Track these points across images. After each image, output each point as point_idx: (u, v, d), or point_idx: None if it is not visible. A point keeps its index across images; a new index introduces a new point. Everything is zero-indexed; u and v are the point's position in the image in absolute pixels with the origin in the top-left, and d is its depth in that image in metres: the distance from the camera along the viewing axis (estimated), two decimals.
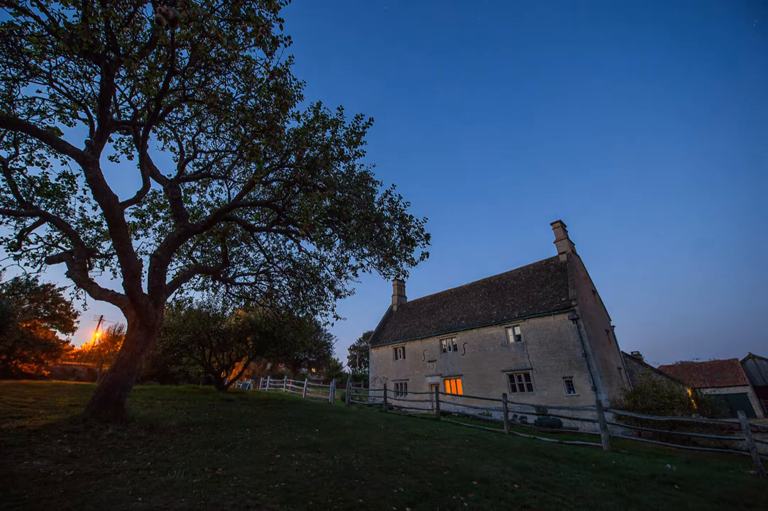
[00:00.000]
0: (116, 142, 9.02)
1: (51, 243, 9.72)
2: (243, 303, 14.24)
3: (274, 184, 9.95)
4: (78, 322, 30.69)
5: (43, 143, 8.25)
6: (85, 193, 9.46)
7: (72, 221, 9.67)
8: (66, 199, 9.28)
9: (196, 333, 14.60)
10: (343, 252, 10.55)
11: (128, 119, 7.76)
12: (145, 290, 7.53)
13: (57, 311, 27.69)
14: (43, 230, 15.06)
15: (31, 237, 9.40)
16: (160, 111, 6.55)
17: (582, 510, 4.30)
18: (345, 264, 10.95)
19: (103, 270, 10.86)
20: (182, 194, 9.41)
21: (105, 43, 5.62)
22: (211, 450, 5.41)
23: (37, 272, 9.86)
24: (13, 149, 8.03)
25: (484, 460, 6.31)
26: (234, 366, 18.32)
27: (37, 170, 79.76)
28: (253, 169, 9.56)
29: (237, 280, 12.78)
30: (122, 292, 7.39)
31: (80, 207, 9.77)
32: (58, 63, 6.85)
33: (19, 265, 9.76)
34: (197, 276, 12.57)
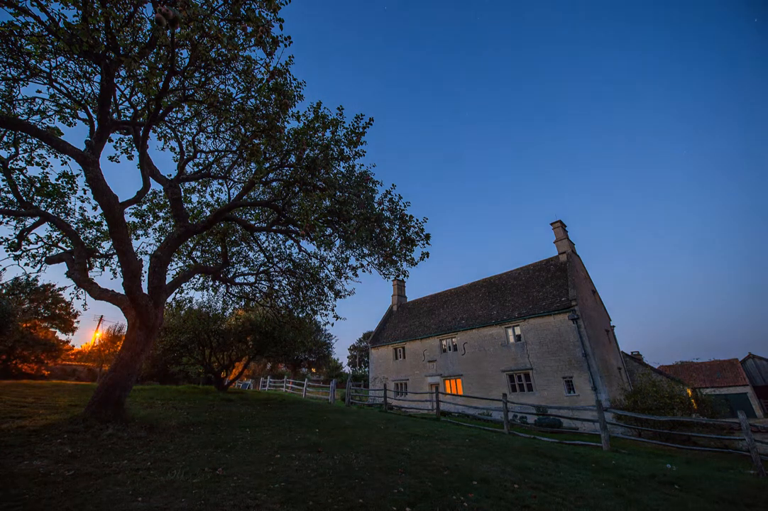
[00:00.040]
0: (116, 142, 9.02)
1: (51, 243, 9.72)
2: (243, 303, 14.24)
3: (274, 184, 9.95)
4: (78, 322, 30.74)
5: (43, 143, 8.25)
6: (85, 193, 9.46)
7: (72, 221, 9.67)
8: (66, 199, 9.28)
9: (196, 333, 14.60)
10: (343, 252, 10.55)
11: (128, 119, 7.76)
12: (145, 290, 7.53)
13: (57, 311, 27.69)
14: (43, 230, 15.08)
15: (31, 237, 9.40)
16: (160, 111, 6.55)
17: (582, 510, 4.30)
18: (345, 264, 10.96)
19: (103, 270, 10.86)
20: (182, 194, 9.41)
21: (105, 43, 5.62)
22: (211, 450, 5.41)
23: (37, 272, 9.87)
24: (13, 149, 8.03)
25: (484, 460, 6.31)
26: (234, 366, 18.32)
27: (37, 170, 79.78)
28: (253, 169, 9.56)
29: (237, 280, 12.78)
30: (122, 292, 7.39)
31: (80, 207, 9.78)
32: (58, 63, 6.85)
33: (19, 265, 9.77)
34: (197, 276, 12.57)
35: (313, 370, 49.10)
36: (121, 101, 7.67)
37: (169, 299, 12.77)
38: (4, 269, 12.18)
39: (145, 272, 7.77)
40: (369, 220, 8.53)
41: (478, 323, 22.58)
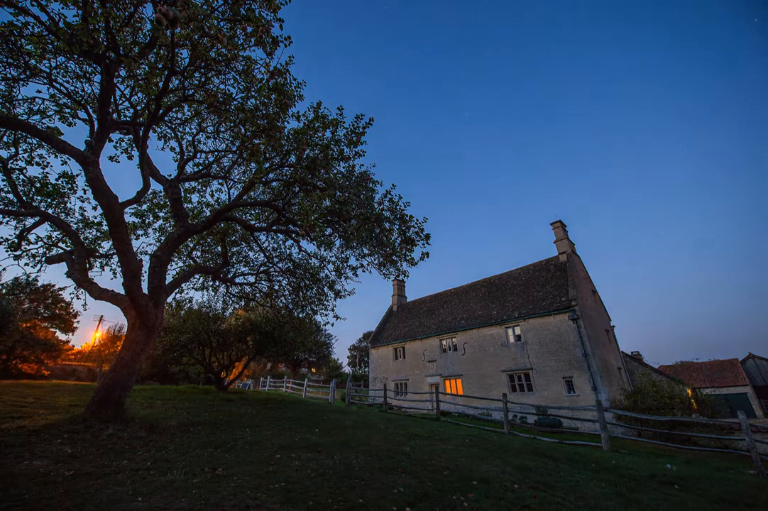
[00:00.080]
0: (116, 142, 9.02)
1: (51, 243, 9.72)
2: (243, 303, 14.24)
3: (274, 184, 9.95)
4: (78, 322, 30.74)
5: (43, 143, 8.25)
6: (85, 193, 9.46)
7: (72, 221, 9.67)
8: (66, 199, 9.28)
9: (196, 333, 14.60)
10: (343, 252, 10.55)
11: (128, 119, 7.76)
12: (145, 290, 7.53)
13: (57, 311, 27.69)
14: (43, 230, 15.08)
15: (31, 237, 9.40)
16: (160, 111, 6.55)
17: (582, 510, 4.30)
18: (345, 264, 10.96)
19: (103, 270, 10.86)
20: (182, 194, 9.41)
21: (105, 43, 5.62)
22: (211, 450, 5.41)
23: (37, 272, 9.86)
24: (13, 149, 8.03)
25: (484, 460, 6.31)
26: (234, 366, 18.32)
27: (37, 170, 79.74)
28: (253, 169, 9.56)
29: (237, 280, 12.78)
30: (122, 292, 7.39)
31: (80, 207, 9.78)
32: (58, 63, 6.85)
33: (19, 265, 9.77)
34: (197, 276, 12.57)
35: (313, 370, 49.09)
36: (121, 101, 7.67)
37: (169, 299, 12.78)
38: (4, 269, 12.18)
39: (145, 272, 7.77)
40: (369, 220, 8.53)
41: (478, 323, 22.57)
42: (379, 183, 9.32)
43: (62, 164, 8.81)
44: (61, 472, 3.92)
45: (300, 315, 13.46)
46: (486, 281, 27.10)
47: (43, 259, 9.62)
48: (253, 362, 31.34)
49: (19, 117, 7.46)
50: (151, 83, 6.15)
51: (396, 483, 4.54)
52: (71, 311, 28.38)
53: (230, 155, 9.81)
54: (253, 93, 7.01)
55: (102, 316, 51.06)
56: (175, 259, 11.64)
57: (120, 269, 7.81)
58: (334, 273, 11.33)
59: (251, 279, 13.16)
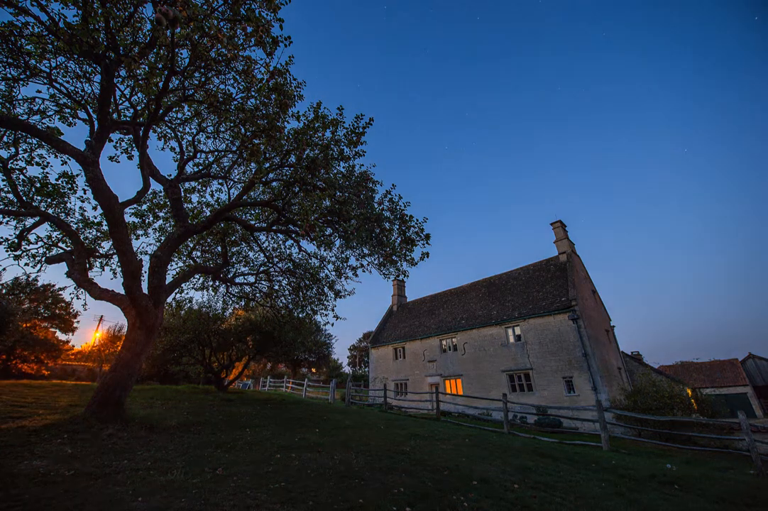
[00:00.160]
0: (116, 142, 9.02)
1: (51, 243, 9.72)
2: (243, 303, 14.24)
3: (274, 184, 9.95)
4: (78, 322, 30.72)
5: (43, 143, 8.24)
6: (85, 193, 9.46)
7: (72, 221, 9.66)
8: (66, 199, 9.28)
9: (196, 333, 14.60)
10: (343, 252, 10.55)
11: (128, 119, 7.75)
12: (145, 290, 7.53)
13: (57, 311, 27.69)
14: (43, 230, 15.07)
15: (31, 237, 9.40)
16: (160, 111, 6.55)
17: (582, 510, 4.30)
18: (345, 264, 10.95)
19: (103, 270, 10.86)
20: (182, 194, 9.41)
21: (105, 43, 5.62)
22: (211, 450, 5.41)
23: (37, 272, 9.86)
24: (13, 149, 8.03)
25: (484, 460, 6.31)
26: (234, 366, 18.31)
27: (37, 170, 79.77)
28: (253, 169, 9.56)
29: (237, 280, 12.78)
30: (122, 292, 7.39)
31: (80, 207, 9.77)
32: (58, 63, 6.85)
33: (19, 265, 9.76)
34: (197, 276, 12.57)
35: (313, 370, 49.09)
36: (121, 101, 7.67)
37: (169, 299, 12.77)
38: (4, 269, 12.19)
39: (145, 272, 7.77)
40: (369, 220, 8.53)
41: (478, 323, 22.57)
42: (379, 183, 9.32)
43: (62, 164, 8.80)
44: (61, 472, 3.92)
45: (300, 315, 13.46)
46: (486, 281, 27.10)
47: (43, 259, 9.61)
48: (253, 362, 31.31)
49: (19, 117, 7.46)
50: (151, 83, 6.16)
51: (396, 483, 4.54)
52: (71, 311, 28.38)
53: (230, 155, 9.81)
54: (253, 93, 7.01)
55: (102, 316, 51.09)
56: (175, 259, 11.64)
57: (120, 269, 7.81)
58: (334, 273, 11.33)
59: (251, 279, 13.16)
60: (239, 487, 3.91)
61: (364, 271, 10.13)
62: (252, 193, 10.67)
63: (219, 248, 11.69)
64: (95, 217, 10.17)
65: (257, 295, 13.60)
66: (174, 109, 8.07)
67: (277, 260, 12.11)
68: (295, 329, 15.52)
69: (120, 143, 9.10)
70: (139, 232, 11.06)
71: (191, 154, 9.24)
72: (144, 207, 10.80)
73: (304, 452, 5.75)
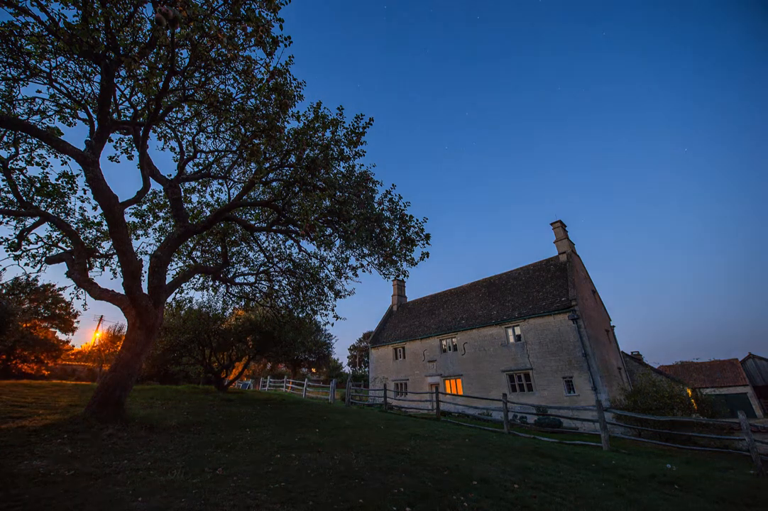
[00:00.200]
0: (116, 142, 9.02)
1: (51, 243, 9.72)
2: (243, 303, 14.24)
3: (274, 184, 9.95)
4: (78, 322, 30.73)
5: (43, 143, 8.24)
6: (85, 193, 9.46)
7: (72, 221, 9.66)
8: (66, 199, 9.28)
9: (196, 333, 14.59)
10: (343, 252, 10.55)
11: (128, 119, 7.75)
12: (145, 290, 7.53)
13: (57, 311, 27.69)
14: (43, 230, 15.07)
15: (31, 237, 9.40)
16: (160, 111, 6.55)
17: (582, 510, 4.30)
18: (345, 264, 10.95)
19: (103, 270, 10.86)
20: (182, 194, 9.41)
21: (105, 43, 5.62)
22: (211, 450, 5.41)
23: (37, 272, 9.86)
24: (13, 149, 8.03)
25: (484, 460, 6.31)
26: (234, 366, 18.31)
27: (37, 170, 79.76)
28: (253, 169, 9.56)
29: (237, 280, 12.78)
30: (122, 292, 7.39)
31: (80, 207, 9.77)
32: (58, 63, 6.85)
33: (19, 265, 9.76)
34: (197, 276, 12.57)
35: (313, 370, 49.09)
36: (121, 101, 7.67)
37: (169, 299, 12.77)
38: (4, 269, 12.19)
39: (145, 272, 7.77)
40: (369, 220, 8.53)
41: (478, 323, 22.57)
42: (379, 183, 9.32)
43: (62, 164, 8.80)
44: (61, 472, 3.92)
45: (300, 315, 13.46)
46: (486, 281, 27.10)
47: (43, 259, 9.61)
48: (253, 362, 31.31)
49: (19, 117, 7.46)
50: (151, 83, 6.16)
51: (396, 483, 4.54)
52: (71, 311, 28.38)
53: (230, 155, 9.81)
54: (253, 93, 7.01)
55: (102, 316, 51.08)
56: (175, 259, 11.63)
57: (120, 269, 7.81)
58: (334, 273, 11.33)
59: (251, 279, 13.16)
60: (239, 487, 3.91)
61: (364, 271, 10.13)
62: (252, 193, 10.67)
63: (219, 248, 11.69)
64: (95, 217, 10.17)
65: (257, 295, 13.60)
66: (174, 109, 8.07)
67: (277, 260, 12.11)
68: (295, 329, 15.52)
69: (120, 143, 9.10)
70: (139, 232, 11.06)
71: (191, 154, 9.24)
72: (144, 207, 10.80)
73: (304, 452, 5.75)
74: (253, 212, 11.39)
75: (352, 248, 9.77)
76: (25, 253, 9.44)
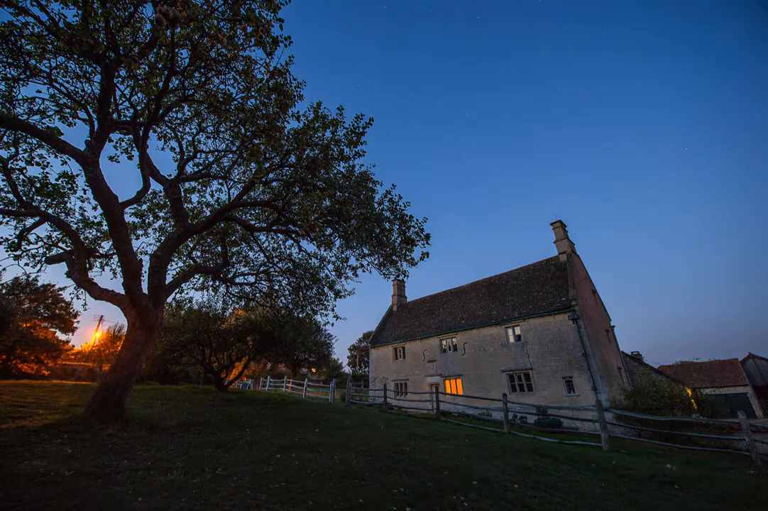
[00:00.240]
0: (116, 142, 9.02)
1: (51, 243, 9.72)
2: (243, 303, 14.24)
3: (274, 184, 9.95)
4: (78, 322, 30.72)
5: (43, 143, 8.24)
6: (85, 193, 9.46)
7: (72, 221, 9.66)
8: (66, 199, 9.28)
9: (196, 333, 14.60)
10: (343, 252, 10.55)
11: (128, 119, 7.75)
12: (145, 290, 7.53)
13: (57, 311, 27.69)
14: (43, 230, 15.07)
15: (31, 237, 9.40)
16: (160, 111, 6.55)
17: (582, 510, 4.30)
18: (345, 264, 10.95)
19: (103, 270, 10.86)
20: (182, 194, 9.41)
21: (105, 43, 5.62)
22: (211, 450, 5.41)
23: (37, 272, 9.86)
24: (13, 149, 8.03)
25: (484, 460, 6.31)
26: (234, 366, 18.31)
27: (37, 170, 79.74)
28: (253, 169, 9.56)
29: (237, 280, 12.78)
30: (122, 292, 7.39)
31: (80, 207, 9.77)
32: (58, 63, 6.85)
33: (19, 265, 9.76)
34: (197, 276, 12.57)
35: (313, 370, 49.10)
36: (121, 101, 7.67)
37: (169, 299, 12.77)
38: (4, 269, 12.19)
39: (145, 272, 7.77)
40: (369, 220, 8.53)
41: (478, 323, 22.57)
42: (379, 183, 9.32)
43: (62, 164, 8.80)
44: (61, 472, 3.92)
45: (300, 315, 13.46)
46: (486, 280, 27.10)
47: (43, 259, 9.61)
48: (253, 362, 31.31)
49: (19, 117, 7.46)
50: (151, 83, 6.16)
51: (396, 483, 4.54)
52: (71, 311, 28.38)
53: (230, 155, 9.81)
54: (253, 93, 7.01)
55: (102, 316, 51.11)
56: (175, 259, 11.63)
57: (120, 269, 7.81)
58: (334, 273, 11.33)
59: (251, 279, 13.16)
60: (239, 487, 3.91)
61: (364, 271, 10.13)
62: (252, 193, 10.67)
63: (219, 248, 11.69)
64: (95, 217, 10.17)
65: (257, 295, 13.60)
66: (174, 109, 8.07)
67: (277, 259, 12.11)
68: (295, 329, 15.52)
69: (120, 143, 9.10)
70: (139, 232, 11.06)
71: (191, 154, 9.24)
72: (144, 207, 10.80)
73: (304, 452, 5.75)
74: (253, 212, 11.39)
75: (352, 248, 9.77)
76: (25, 254, 9.44)
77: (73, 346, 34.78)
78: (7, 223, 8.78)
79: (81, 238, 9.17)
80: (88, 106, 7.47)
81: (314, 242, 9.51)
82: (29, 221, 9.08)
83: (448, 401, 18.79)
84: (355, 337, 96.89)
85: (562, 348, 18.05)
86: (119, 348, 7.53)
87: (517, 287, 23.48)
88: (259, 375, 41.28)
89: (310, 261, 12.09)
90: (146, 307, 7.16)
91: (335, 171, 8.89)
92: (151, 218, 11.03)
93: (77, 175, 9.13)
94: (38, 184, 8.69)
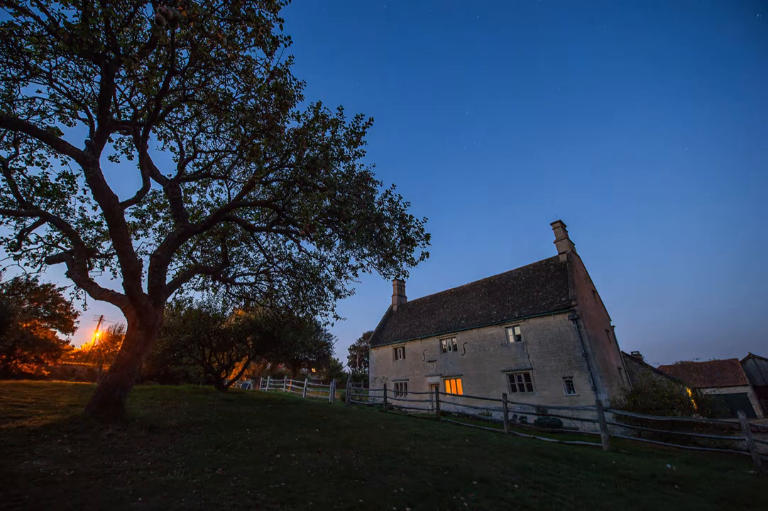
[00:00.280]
0: (116, 142, 9.02)
1: (51, 243, 9.72)
2: (243, 303, 14.24)
3: (274, 184, 9.95)
4: (78, 322, 30.70)
5: (43, 143, 8.24)
6: (85, 193, 9.46)
7: (72, 221, 9.66)
8: (66, 199, 9.28)
9: (196, 333, 14.60)
10: (343, 252, 10.55)
11: (128, 119, 7.76)
12: (145, 290, 7.53)
13: (57, 311, 27.71)
14: (43, 230, 15.07)
15: (31, 237, 9.40)
16: (160, 111, 6.55)
17: (582, 510, 4.30)
18: (345, 264, 10.96)
19: (103, 270, 10.86)
20: (182, 194, 9.41)
21: (105, 43, 5.62)
22: (211, 450, 5.41)
23: (37, 272, 9.86)
24: (13, 149, 8.03)
25: (484, 460, 6.31)
26: (234, 366, 18.31)
27: (37, 170, 79.71)
28: (253, 169, 9.56)
29: (237, 280, 12.78)
30: (122, 292, 7.38)
31: (80, 207, 9.78)
32: (58, 63, 6.85)
33: (19, 265, 9.76)
34: (197, 276, 12.57)
35: (313, 370, 49.10)
36: (121, 101, 7.67)
37: (169, 299, 12.77)
38: (4, 269, 12.18)
39: (145, 272, 7.77)
40: (369, 220, 8.53)
41: (478, 323, 22.57)
42: (379, 183, 9.32)
43: (62, 164, 8.80)
44: (61, 472, 3.92)
45: (300, 315, 13.46)
46: (486, 280, 27.09)
47: (43, 259, 9.61)
48: (253, 362, 31.30)
49: (19, 117, 7.46)
50: (151, 83, 6.16)
51: (396, 483, 4.54)
52: (71, 311, 28.39)
53: (230, 155, 9.81)
54: (253, 93, 7.01)
55: (102, 316, 51.07)
56: (175, 259, 11.63)
57: (120, 269, 7.81)
58: (334, 273, 11.33)
59: (251, 279, 13.16)
60: (239, 487, 3.91)
61: (364, 271, 10.14)
62: (252, 193, 10.67)
63: (219, 248, 11.69)
64: (95, 217, 10.17)
65: (257, 295, 13.60)
66: (174, 109, 8.07)
67: (277, 259, 12.11)
68: (295, 329, 15.52)
69: (120, 143, 9.10)
70: (139, 232, 11.06)
71: (191, 154, 9.23)
72: (144, 207, 10.80)
73: (304, 452, 5.75)
74: (253, 212, 11.39)
75: (352, 248, 9.77)
76: (25, 254, 9.44)
77: (73, 346, 34.81)
78: (7, 224, 8.78)
79: (81, 238, 9.17)
80: (88, 106, 7.47)
81: (314, 242, 9.52)
82: (29, 221, 9.08)
83: (448, 401, 18.79)
84: (355, 337, 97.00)
85: (562, 348, 18.05)
86: (119, 348, 7.53)
87: (517, 287, 23.48)
88: (259, 375, 41.28)
89: (310, 261, 12.10)
90: (146, 307, 7.16)
91: (335, 171, 8.89)
92: (151, 218, 11.03)
93: (77, 175, 9.13)
94: (38, 184, 8.69)
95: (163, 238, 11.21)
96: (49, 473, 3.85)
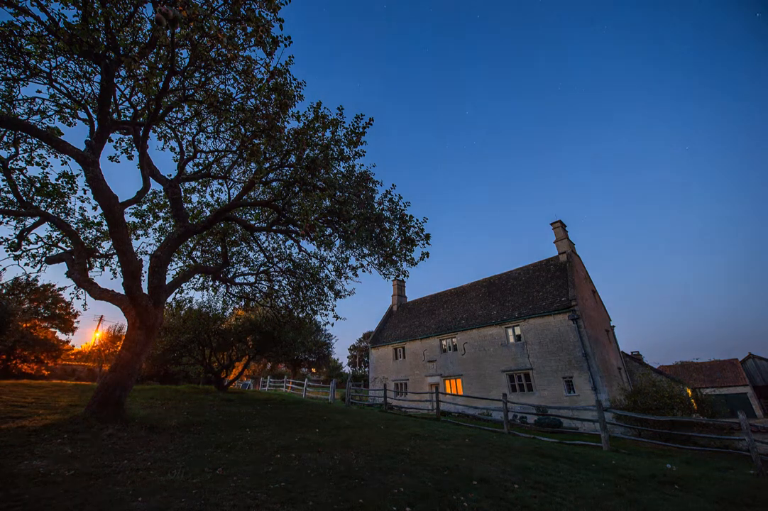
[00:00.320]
0: (116, 142, 9.02)
1: (51, 243, 9.72)
2: (243, 303, 14.24)
3: (274, 184, 9.95)
4: (78, 322, 30.68)
5: (43, 143, 8.24)
6: (85, 193, 9.46)
7: (72, 221, 9.66)
8: (66, 199, 9.28)
9: (196, 333, 14.60)
10: (343, 252, 10.55)
11: (128, 119, 7.75)
12: (145, 290, 7.53)
13: (57, 311, 27.70)
14: (43, 230, 15.07)
15: (31, 237, 9.40)
16: (160, 111, 6.55)
17: (582, 510, 4.30)
18: (345, 264, 10.95)
19: (103, 270, 10.86)
20: (182, 194, 9.41)
21: (105, 43, 5.62)
22: (211, 450, 5.41)
23: (37, 272, 9.85)
24: (13, 149, 8.03)
25: (484, 460, 6.31)
26: (234, 366, 18.31)
27: (37, 170, 79.68)
28: (253, 169, 9.56)
29: (237, 280, 12.78)
30: (122, 292, 7.39)
31: (80, 207, 9.77)
32: (58, 63, 6.85)
33: (19, 265, 9.76)
34: (197, 276, 12.57)
35: (313, 370, 49.11)
36: (121, 101, 7.66)
37: (169, 299, 12.77)
38: (4, 269, 12.17)
39: (145, 272, 7.76)
40: (369, 220, 8.53)
41: (478, 323, 22.56)
42: (379, 183, 9.32)
43: (62, 164, 8.80)
44: (61, 472, 3.92)
45: (300, 315, 13.45)
46: (486, 280, 27.09)
47: (43, 259, 9.61)
48: (253, 362, 31.30)
49: (19, 117, 7.46)
50: (151, 83, 6.16)
51: (396, 483, 4.54)
52: (71, 311, 28.39)
53: (230, 155, 9.81)
54: (253, 93, 7.01)
55: (102, 316, 51.08)
56: (175, 259, 11.63)
57: (120, 269, 7.81)
58: (334, 273, 11.33)
59: (251, 279, 13.16)
60: (239, 487, 3.91)
61: (364, 271, 10.14)
62: (252, 193, 10.67)
63: (219, 248, 11.69)
64: (95, 217, 10.17)
65: (257, 295, 13.60)
66: (174, 109, 8.07)
67: (277, 259, 12.11)
68: (295, 329, 15.53)
69: (120, 143, 9.10)
70: (139, 232, 11.06)
71: (191, 154, 9.23)
72: (144, 207, 10.80)
73: (304, 452, 5.75)
74: (253, 212, 11.39)
75: (352, 248, 9.77)
76: (25, 254, 9.44)
77: (73, 346, 34.80)
78: (7, 224, 8.78)
79: (81, 238, 9.17)
80: (88, 106, 7.47)
81: (314, 242, 9.52)
82: (29, 221, 9.08)
83: (448, 401, 18.79)
84: (355, 337, 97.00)
85: (562, 348, 18.05)
86: (119, 348, 7.53)
87: (517, 287, 23.47)
88: (259, 375, 41.28)
89: (310, 261, 12.10)
90: (146, 307, 7.16)
91: (335, 171, 8.89)
92: (151, 218, 11.03)
93: (77, 175, 9.13)
94: (38, 184, 8.69)
95: (163, 238, 11.21)
96: (49, 473, 3.85)
